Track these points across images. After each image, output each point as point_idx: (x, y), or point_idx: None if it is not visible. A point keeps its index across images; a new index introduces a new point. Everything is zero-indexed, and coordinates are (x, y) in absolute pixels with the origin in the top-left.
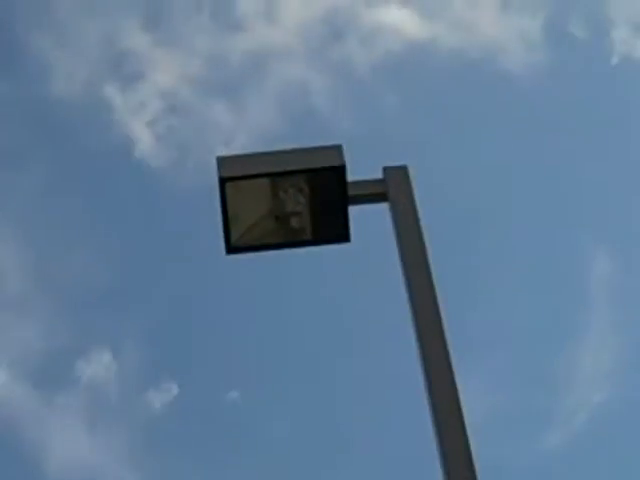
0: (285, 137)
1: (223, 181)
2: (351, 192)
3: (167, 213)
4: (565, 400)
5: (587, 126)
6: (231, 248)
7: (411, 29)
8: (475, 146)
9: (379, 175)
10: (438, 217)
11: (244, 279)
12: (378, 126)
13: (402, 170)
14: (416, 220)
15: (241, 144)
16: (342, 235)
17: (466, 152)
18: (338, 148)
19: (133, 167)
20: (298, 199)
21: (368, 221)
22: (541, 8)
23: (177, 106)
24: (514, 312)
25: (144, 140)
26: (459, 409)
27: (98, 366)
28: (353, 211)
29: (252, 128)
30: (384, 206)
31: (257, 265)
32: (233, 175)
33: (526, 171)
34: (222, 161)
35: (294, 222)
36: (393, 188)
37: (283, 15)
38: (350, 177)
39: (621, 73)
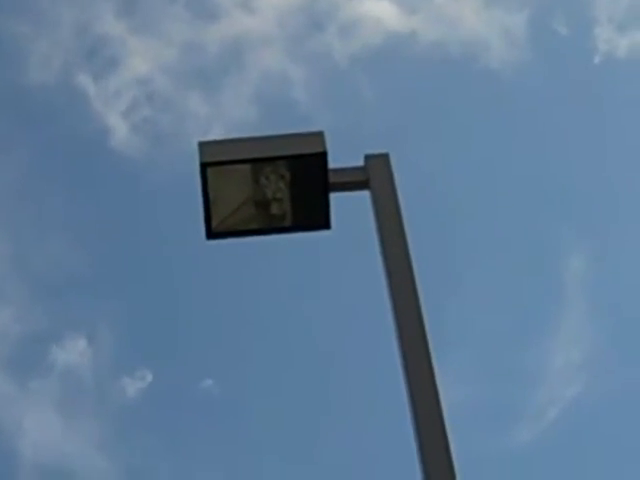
0: (263, 127)
1: (204, 166)
2: (332, 179)
3: (143, 201)
4: (537, 394)
5: (569, 123)
6: (212, 233)
7: (391, 21)
8: (456, 138)
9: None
10: (418, 206)
11: (221, 266)
12: (357, 117)
13: (383, 158)
14: (397, 208)
15: (218, 134)
16: (323, 222)
17: (447, 144)
18: (320, 135)
19: (109, 154)
20: (279, 185)
21: (349, 208)
22: (525, 4)
23: (153, 95)
24: (487, 304)
25: (120, 128)
26: (437, 397)
27: (73, 352)
28: (334, 198)
29: (229, 118)
30: (365, 194)
31: (235, 251)
32: (214, 160)
33: (506, 164)
34: (203, 146)
35: (275, 208)
36: (374, 176)
37: (261, 4)
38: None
39: (604, 71)
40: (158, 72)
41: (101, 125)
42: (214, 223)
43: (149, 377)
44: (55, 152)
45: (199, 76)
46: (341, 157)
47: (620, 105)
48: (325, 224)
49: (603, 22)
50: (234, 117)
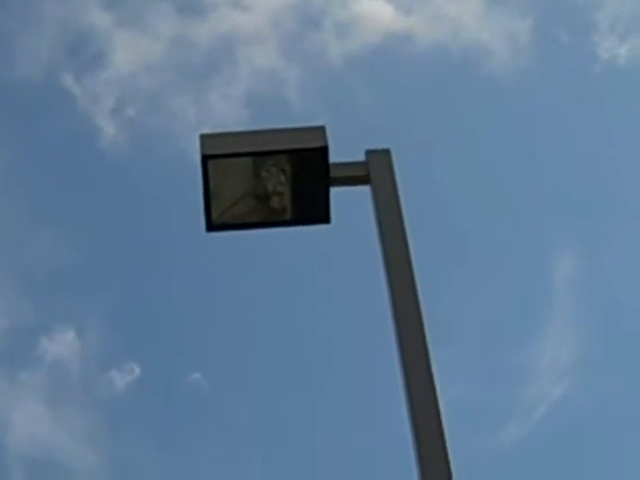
0: (254, 126)
1: (206, 158)
2: (333, 174)
3: (132, 196)
4: (525, 393)
5: (567, 128)
6: (211, 226)
7: (388, 21)
8: (455, 139)
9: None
10: (418, 202)
11: (215, 259)
12: (351, 117)
13: (384, 153)
14: (397, 204)
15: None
16: (322, 216)
17: (446, 144)
18: (321, 129)
19: (96, 150)
20: (280, 179)
21: (349, 203)
22: (527, 9)
23: (142, 91)
24: (477, 303)
25: (108, 122)
26: (434, 389)
27: (61, 345)
28: (334, 193)
29: (219, 116)
30: (366, 189)
31: (229, 244)
32: (216, 153)
33: (503, 166)
34: (205, 138)
35: (275, 202)
36: (375, 171)
37: (253, 1)
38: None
39: (604, 79)
40: (145, 68)
41: (89, 119)
42: (214, 215)
43: (137, 370)
44: (42, 147)
45: (190, 73)
46: (333, 155)
47: (619, 112)
48: (325, 218)
49: (605, 30)
50: (224, 116)
